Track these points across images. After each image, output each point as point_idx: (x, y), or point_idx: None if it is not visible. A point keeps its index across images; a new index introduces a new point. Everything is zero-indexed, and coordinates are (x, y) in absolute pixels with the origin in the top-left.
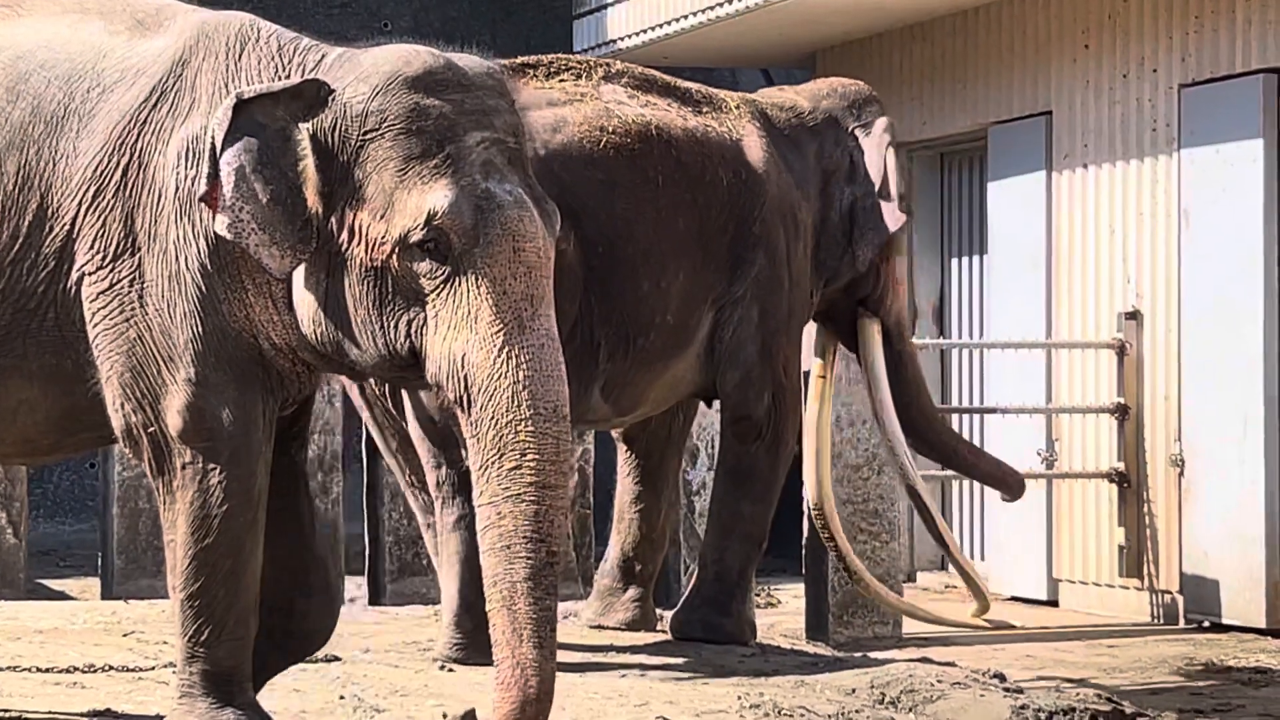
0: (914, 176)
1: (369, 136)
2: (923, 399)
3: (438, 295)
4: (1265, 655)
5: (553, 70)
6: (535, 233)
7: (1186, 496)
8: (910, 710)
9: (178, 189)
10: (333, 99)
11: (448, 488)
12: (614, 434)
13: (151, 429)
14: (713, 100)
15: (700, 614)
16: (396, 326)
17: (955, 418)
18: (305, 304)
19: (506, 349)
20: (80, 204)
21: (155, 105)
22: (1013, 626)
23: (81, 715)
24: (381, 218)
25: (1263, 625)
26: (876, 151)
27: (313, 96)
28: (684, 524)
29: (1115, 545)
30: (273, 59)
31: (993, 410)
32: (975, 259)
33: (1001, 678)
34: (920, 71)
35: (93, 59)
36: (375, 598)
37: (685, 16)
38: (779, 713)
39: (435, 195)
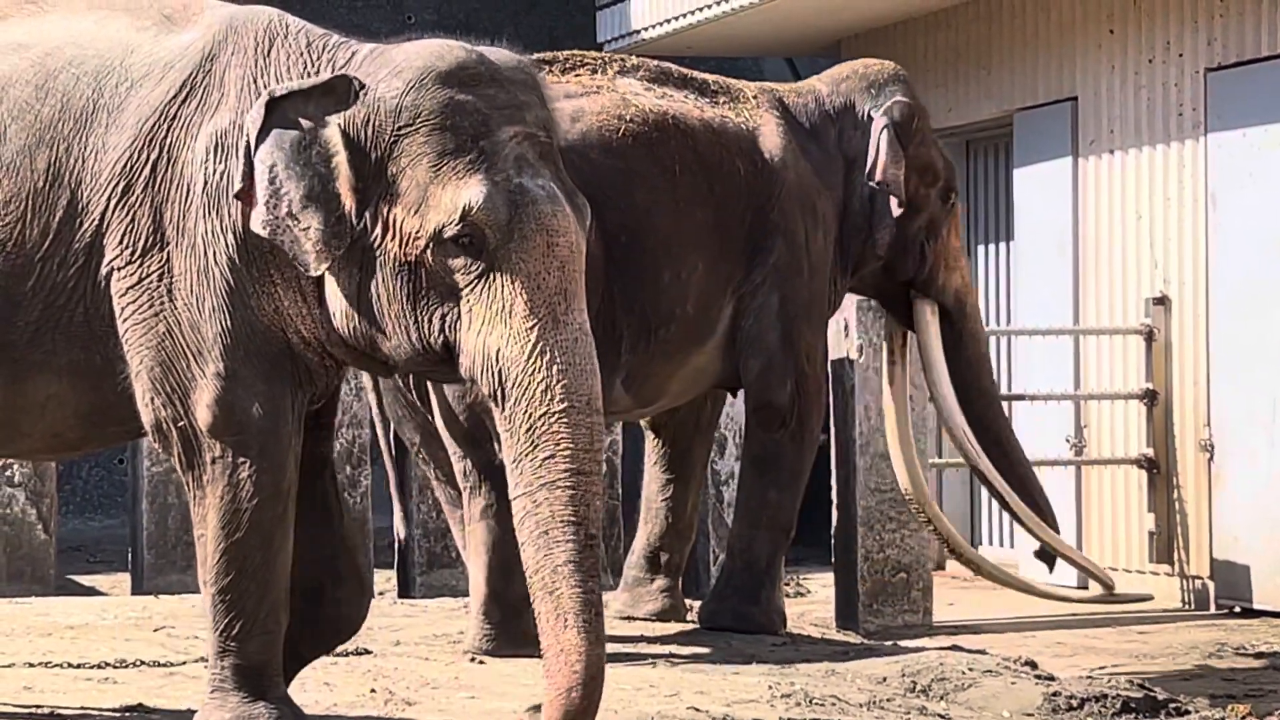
0: None
1: (403, 132)
2: (984, 380)
3: (472, 290)
4: None
5: (569, 65)
6: (568, 228)
7: (1216, 482)
8: (942, 698)
9: (206, 183)
10: (365, 94)
11: (474, 479)
12: (642, 424)
13: (181, 423)
14: (730, 90)
15: (730, 603)
16: (430, 321)
17: None
18: (338, 299)
19: (540, 344)
20: (109, 199)
21: (184, 100)
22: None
23: (113, 711)
24: (416, 213)
25: None
26: (873, 136)
27: (345, 92)
28: (712, 514)
29: (1145, 531)
30: (302, 55)
31: (1020, 397)
32: (1002, 246)
33: (1033, 665)
34: (945, 58)
35: (121, 55)
36: (405, 591)
37: (709, 6)
38: (810, 702)
39: (470, 190)
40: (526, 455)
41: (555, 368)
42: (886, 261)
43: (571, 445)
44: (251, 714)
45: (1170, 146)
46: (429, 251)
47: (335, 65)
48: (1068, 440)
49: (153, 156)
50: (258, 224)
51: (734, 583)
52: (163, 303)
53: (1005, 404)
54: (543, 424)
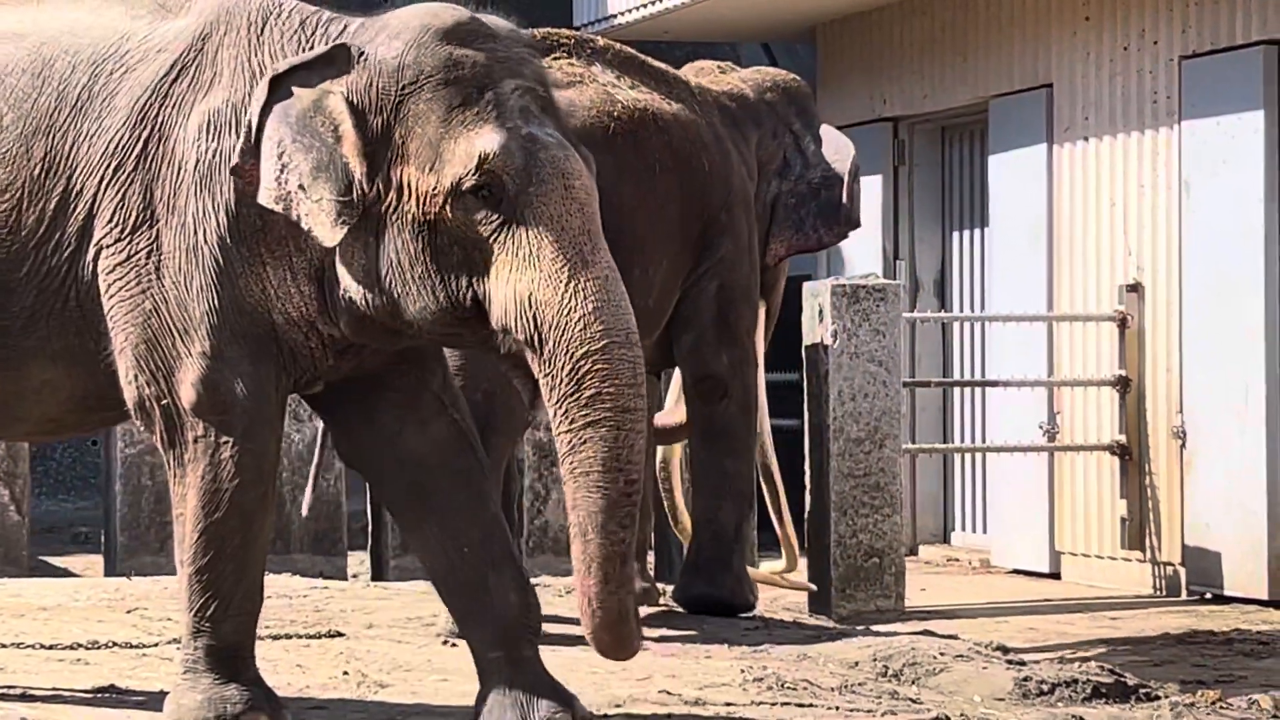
0: (915, 150)
1: (407, 91)
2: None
3: (496, 239)
4: (1267, 626)
5: (546, 47)
6: (582, 170)
7: (1188, 468)
8: (913, 683)
9: (198, 162)
10: (365, 59)
11: None
12: None
13: (164, 401)
14: (683, 84)
15: (702, 574)
16: (456, 278)
17: (957, 391)
18: (353, 269)
19: (573, 283)
20: (101, 179)
21: (176, 79)
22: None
23: (85, 692)
24: (430, 170)
25: (1264, 596)
26: (848, 177)
27: (345, 61)
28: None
29: (1117, 518)
30: (295, 33)
31: (994, 383)
32: (976, 232)
33: (1004, 650)
34: (921, 45)
35: (116, 42)
36: (378, 573)
37: None
38: (782, 685)
39: (484, 140)
40: (571, 394)
41: (591, 305)
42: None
43: (616, 381)
44: (224, 695)
45: (1144, 134)
46: (448, 207)
47: (330, 38)
48: (1041, 426)
49: (144, 134)
50: (268, 200)
51: (704, 554)
52: (150, 280)
53: (979, 390)
54: (584, 363)
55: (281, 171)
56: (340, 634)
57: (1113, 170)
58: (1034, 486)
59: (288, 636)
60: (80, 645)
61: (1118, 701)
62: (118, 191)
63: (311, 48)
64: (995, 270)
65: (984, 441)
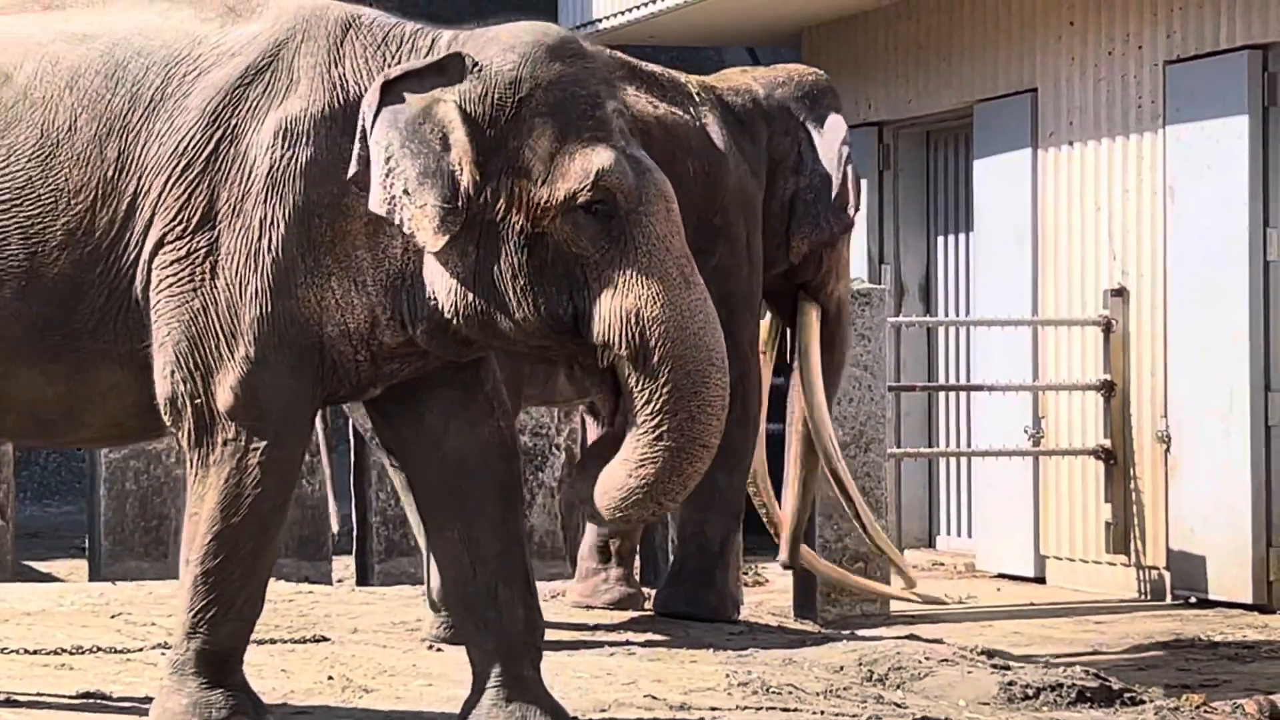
0: (900, 154)
1: (523, 104)
2: (831, 384)
3: (603, 256)
4: (1251, 630)
5: None
6: (673, 195)
7: (1173, 473)
8: (898, 687)
9: (271, 168)
10: (480, 70)
11: None
12: (580, 409)
13: (198, 400)
14: (677, 85)
15: (684, 588)
16: (558, 292)
17: (942, 395)
18: (449, 278)
19: (679, 303)
20: (168, 177)
21: (251, 84)
22: (942, 601)
23: (70, 697)
24: (543, 183)
25: (1249, 600)
26: (836, 164)
27: (458, 70)
28: None
29: (1102, 522)
30: (378, 46)
31: (979, 388)
32: (961, 237)
33: (989, 654)
34: (906, 49)
35: (188, 44)
36: (363, 578)
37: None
38: (767, 690)
39: (599, 157)
40: (666, 411)
41: (695, 324)
42: (792, 266)
43: (708, 411)
44: (209, 700)
45: (1129, 139)
46: (557, 220)
47: (419, 50)
48: (1026, 431)
49: (215, 136)
50: (375, 204)
51: (688, 567)
52: (202, 279)
53: (964, 394)
54: (687, 381)
55: (388, 176)
56: (325, 639)
57: (1097, 175)
58: (1019, 491)
59: (272, 641)
60: (64, 650)
61: (1103, 706)
62: (184, 190)
63: (395, 60)
64: (980, 275)
65: (969, 446)
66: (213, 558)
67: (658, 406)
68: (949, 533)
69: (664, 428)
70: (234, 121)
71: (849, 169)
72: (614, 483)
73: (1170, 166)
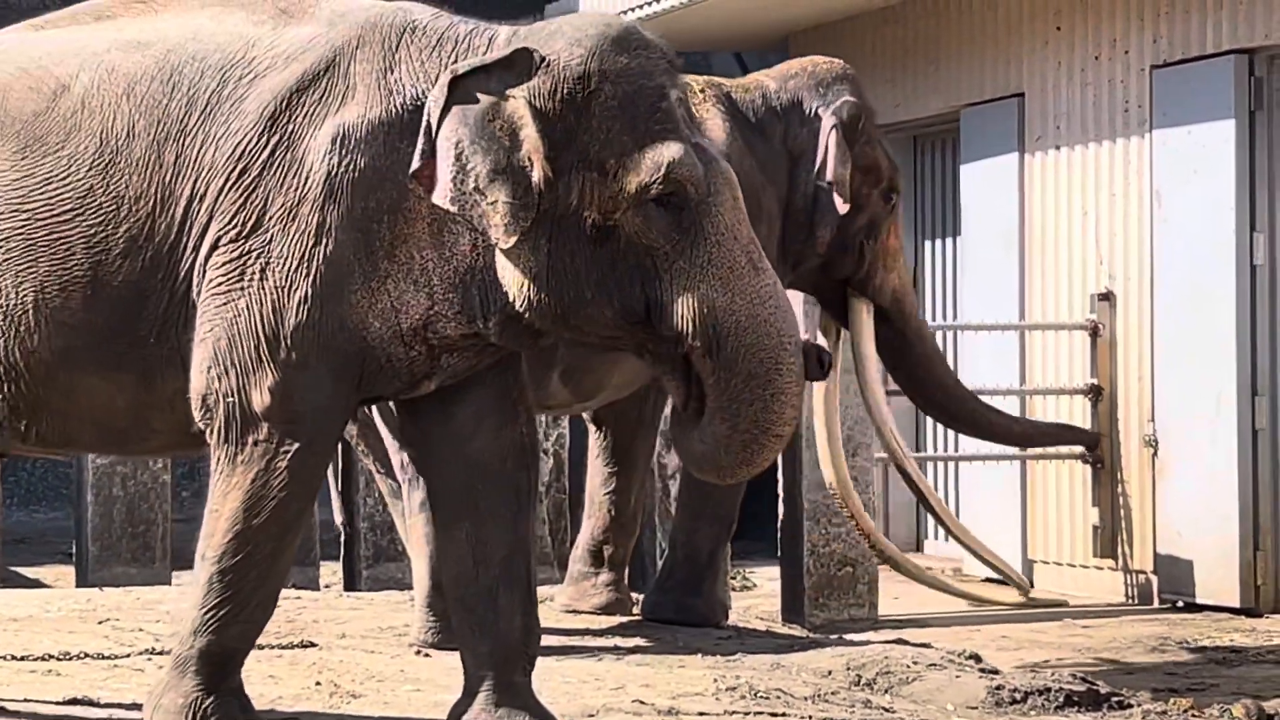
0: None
1: (592, 97)
2: (938, 372)
3: (674, 246)
4: (1239, 634)
5: None
6: (737, 183)
7: (1160, 477)
8: (886, 691)
9: (329, 174)
10: (547, 65)
11: (412, 470)
12: (585, 417)
13: (231, 399)
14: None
15: (672, 595)
16: (630, 283)
17: None
18: (521, 272)
19: (751, 291)
20: (225, 181)
21: (308, 90)
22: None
23: (57, 703)
24: (613, 176)
25: (1236, 605)
26: (821, 135)
27: (525, 65)
28: (659, 507)
29: (1089, 526)
30: (433, 48)
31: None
32: (948, 241)
33: (977, 659)
34: (892, 54)
35: (242, 48)
36: (350, 583)
37: (656, 0)
38: (755, 695)
39: (669, 149)
40: (743, 399)
41: (767, 312)
42: (826, 259)
43: (782, 399)
44: (202, 704)
45: (1116, 143)
46: (628, 213)
47: (474, 51)
48: None
49: (271, 142)
50: (443, 199)
51: (676, 575)
52: (252, 280)
53: None
54: (761, 368)
55: (459, 173)
56: (313, 644)
57: (1084, 179)
58: (1006, 495)
59: (260, 647)
60: (51, 656)
61: (1090, 710)
62: (240, 194)
63: (454, 60)
64: (967, 279)
65: (956, 450)
66: (231, 556)
67: (733, 394)
68: (937, 537)
69: (739, 415)
70: (291, 128)
71: (831, 137)
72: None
73: (1157, 171)
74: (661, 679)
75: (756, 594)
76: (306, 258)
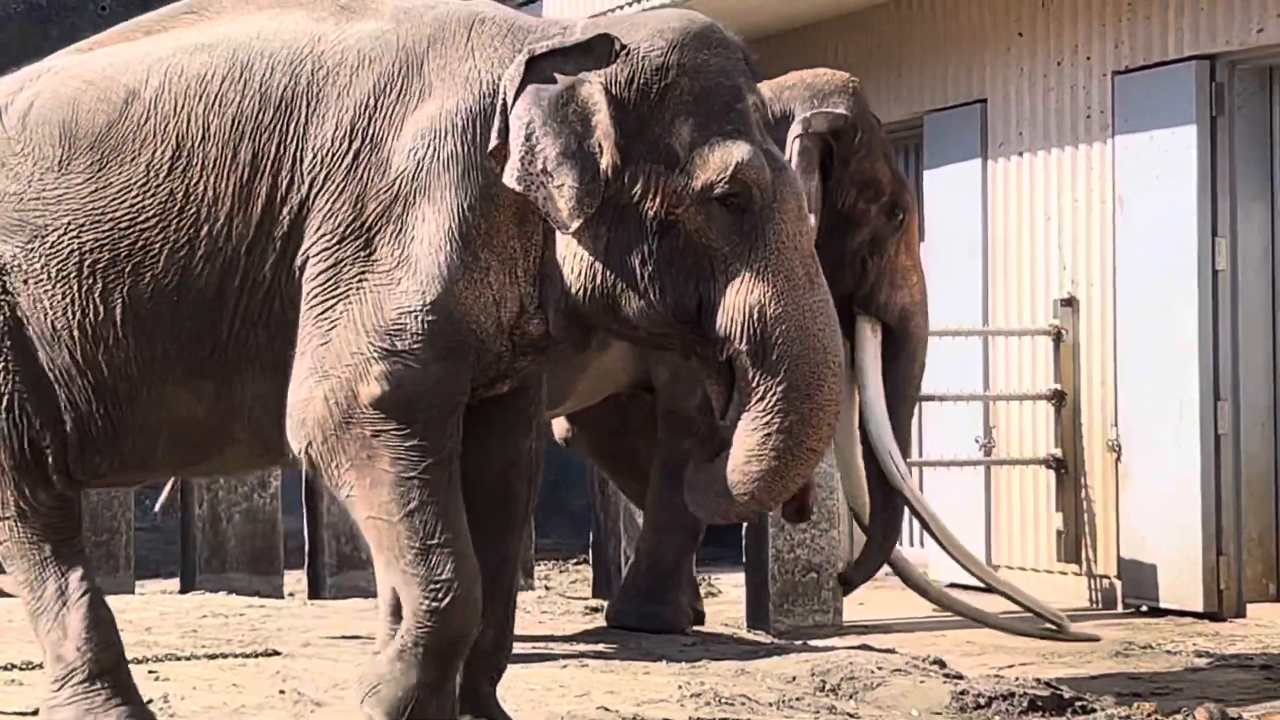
0: None
1: (668, 90)
2: (901, 394)
3: (733, 249)
4: (1202, 639)
5: None
6: (803, 194)
7: (1124, 482)
8: (851, 697)
9: (416, 171)
10: (627, 54)
11: None
12: (554, 428)
13: (332, 400)
14: None
15: (635, 603)
16: (685, 281)
17: None
18: (580, 260)
19: (804, 303)
20: (310, 187)
21: (384, 90)
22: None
23: (20, 714)
24: (681, 171)
25: (1199, 609)
26: (786, 146)
27: (604, 52)
28: (624, 515)
29: (1053, 531)
30: (506, 34)
31: (930, 398)
32: None
33: (941, 664)
34: (856, 60)
35: (308, 44)
36: (315, 591)
37: (621, 7)
38: (720, 701)
39: (739, 150)
40: (778, 410)
41: (816, 326)
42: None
43: (819, 416)
44: (420, 700)
45: (1078, 149)
46: (691, 210)
47: (551, 38)
48: (976, 441)
49: (355, 146)
50: (511, 179)
51: (640, 583)
52: (350, 285)
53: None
54: (803, 380)
55: (528, 153)
56: (277, 653)
57: (1047, 185)
58: (970, 500)
59: (224, 655)
60: (14, 666)
61: (1054, 714)
62: (326, 201)
63: (528, 45)
64: (931, 285)
65: (920, 456)
66: (411, 546)
67: (771, 404)
68: (901, 543)
69: (775, 426)
70: (372, 130)
71: (794, 146)
72: (718, 480)
73: (1119, 176)
74: (626, 686)
75: (721, 600)
76: (406, 257)
